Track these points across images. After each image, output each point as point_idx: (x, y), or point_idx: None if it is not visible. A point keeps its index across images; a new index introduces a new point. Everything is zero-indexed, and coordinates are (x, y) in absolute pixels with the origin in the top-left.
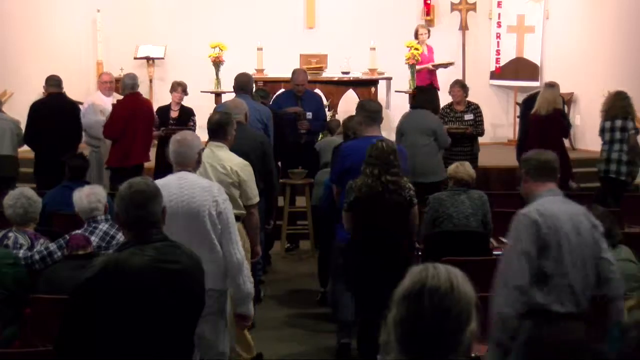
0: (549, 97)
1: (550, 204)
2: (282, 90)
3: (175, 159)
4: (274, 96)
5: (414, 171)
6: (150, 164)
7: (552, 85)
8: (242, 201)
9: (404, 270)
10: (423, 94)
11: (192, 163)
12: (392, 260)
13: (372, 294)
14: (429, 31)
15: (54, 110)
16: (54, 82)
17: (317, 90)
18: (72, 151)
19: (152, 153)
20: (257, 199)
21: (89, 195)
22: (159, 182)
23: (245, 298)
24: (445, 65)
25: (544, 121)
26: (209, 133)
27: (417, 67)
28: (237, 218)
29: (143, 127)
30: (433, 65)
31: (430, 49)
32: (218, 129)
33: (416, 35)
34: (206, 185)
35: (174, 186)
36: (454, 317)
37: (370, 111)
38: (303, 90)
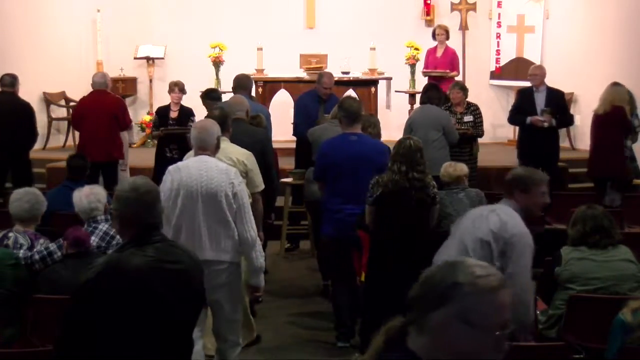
0: (607, 96)
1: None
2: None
3: (196, 144)
4: (299, 96)
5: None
6: (150, 163)
7: (615, 84)
8: (249, 189)
9: (419, 269)
10: (432, 90)
11: (212, 147)
12: (409, 257)
13: (384, 291)
14: (447, 32)
15: (3, 110)
16: (6, 82)
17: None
18: (24, 152)
19: (152, 152)
20: (262, 186)
21: (89, 195)
22: (181, 165)
23: (257, 271)
24: (445, 77)
25: (602, 120)
26: None
27: (424, 71)
28: None
29: (102, 125)
30: (422, 72)
31: (449, 53)
32: (220, 123)
33: (434, 36)
34: (223, 168)
35: (194, 168)
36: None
37: (348, 111)
38: (329, 93)
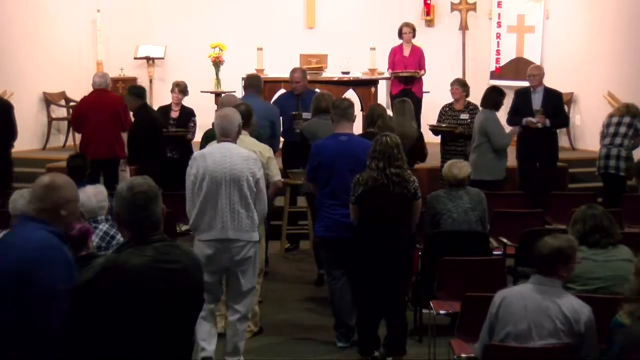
0: None
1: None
2: (283, 90)
3: (220, 132)
4: (276, 96)
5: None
6: None
7: None
8: (269, 178)
9: (403, 265)
10: (486, 94)
11: (233, 134)
12: (393, 253)
13: (371, 288)
14: (414, 30)
15: None
16: None
17: (317, 90)
18: (4, 150)
19: None
20: (279, 176)
21: (97, 195)
22: (205, 152)
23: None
24: (412, 76)
25: None
26: None
27: (393, 72)
28: None
29: (105, 123)
30: (391, 73)
31: (416, 51)
32: (245, 119)
33: (400, 35)
34: (245, 154)
35: (218, 155)
36: None
37: (340, 108)
38: (300, 88)
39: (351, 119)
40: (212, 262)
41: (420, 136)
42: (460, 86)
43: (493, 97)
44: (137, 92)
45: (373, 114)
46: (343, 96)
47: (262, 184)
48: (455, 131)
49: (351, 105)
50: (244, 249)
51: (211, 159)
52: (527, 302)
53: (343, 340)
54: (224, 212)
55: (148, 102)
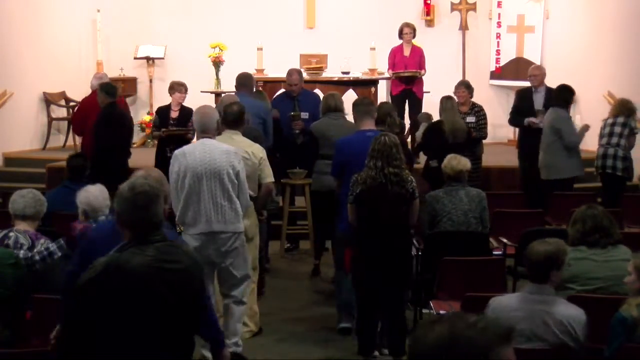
0: None
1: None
2: (281, 91)
3: (199, 128)
4: (273, 98)
5: (542, 167)
6: (150, 163)
7: None
8: (260, 179)
9: (401, 263)
10: (556, 92)
11: (212, 131)
12: (392, 253)
13: (371, 287)
14: (414, 30)
15: None
16: None
17: (317, 91)
18: None
19: (152, 152)
20: (272, 178)
21: (102, 192)
22: (185, 149)
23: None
24: (413, 76)
25: None
26: (228, 123)
27: (394, 72)
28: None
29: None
30: (392, 73)
31: (416, 52)
32: (238, 119)
33: (400, 35)
34: (224, 149)
35: (198, 152)
36: None
37: (362, 105)
38: (297, 90)
39: (373, 116)
40: (199, 253)
41: (469, 129)
42: (466, 88)
43: (564, 95)
44: (107, 89)
45: (380, 112)
46: (345, 95)
47: (242, 176)
48: (472, 135)
49: (372, 102)
50: (230, 240)
51: (191, 155)
52: (520, 314)
53: (345, 321)
54: (208, 206)
55: (148, 102)
